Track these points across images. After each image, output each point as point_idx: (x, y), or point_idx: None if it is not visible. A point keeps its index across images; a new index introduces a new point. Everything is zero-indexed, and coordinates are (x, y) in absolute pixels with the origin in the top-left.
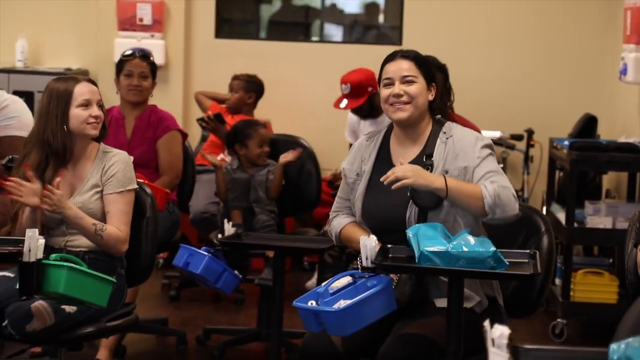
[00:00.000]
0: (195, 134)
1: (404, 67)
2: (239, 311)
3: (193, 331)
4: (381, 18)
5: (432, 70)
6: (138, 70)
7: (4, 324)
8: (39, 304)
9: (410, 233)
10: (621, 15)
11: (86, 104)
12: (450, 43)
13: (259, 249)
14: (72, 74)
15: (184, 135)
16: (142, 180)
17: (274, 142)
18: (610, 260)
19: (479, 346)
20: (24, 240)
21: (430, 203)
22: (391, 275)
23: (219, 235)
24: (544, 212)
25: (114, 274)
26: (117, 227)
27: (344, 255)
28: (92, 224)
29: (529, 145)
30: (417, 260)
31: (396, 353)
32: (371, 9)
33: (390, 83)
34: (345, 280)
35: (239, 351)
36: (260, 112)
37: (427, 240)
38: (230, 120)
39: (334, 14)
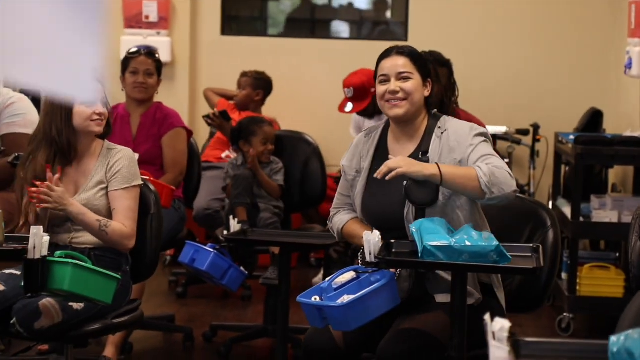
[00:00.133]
0: (202, 131)
1: (399, 63)
2: (246, 307)
3: (200, 328)
4: (389, 14)
5: (428, 66)
6: (143, 67)
7: (12, 321)
8: (46, 301)
9: (413, 228)
10: (626, 9)
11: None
12: (455, 38)
13: (264, 245)
14: None
15: (189, 133)
16: (147, 177)
17: (279, 139)
18: (617, 255)
19: (477, 340)
20: (28, 237)
21: (425, 199)
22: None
23: (225, 232)
24: (550, 206)
25: (119, 271)
26: (122, 222)
27: (349, 250)
28: (96, 220)
29: (535, 140)
30: (420, 255)
31: (396, 348)
32: (379, 5)
33: (385, 80)
34: (349, 275)
35: (246, 347)
36: (267, 109)
37: (430, 234)
38: (237, 117)
39: (342, 11)
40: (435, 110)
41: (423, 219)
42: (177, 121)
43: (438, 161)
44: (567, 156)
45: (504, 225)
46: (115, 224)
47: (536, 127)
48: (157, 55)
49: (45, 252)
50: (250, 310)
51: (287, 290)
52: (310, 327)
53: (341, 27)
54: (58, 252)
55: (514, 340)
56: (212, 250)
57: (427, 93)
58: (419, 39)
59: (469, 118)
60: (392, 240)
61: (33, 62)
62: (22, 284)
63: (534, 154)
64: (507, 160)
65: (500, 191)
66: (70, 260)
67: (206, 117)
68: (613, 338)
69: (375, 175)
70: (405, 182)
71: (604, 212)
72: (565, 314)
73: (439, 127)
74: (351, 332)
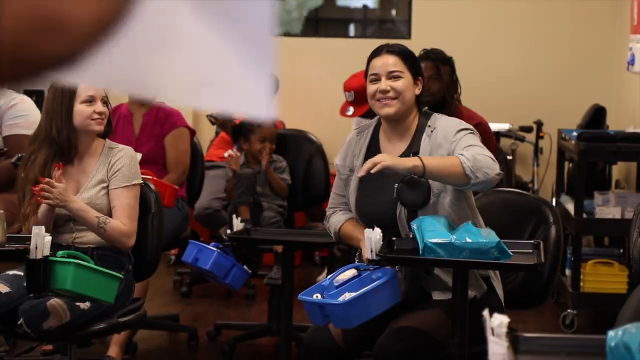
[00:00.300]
0: (206, 130)
1: (390, 62)
2: (250, 306)
3: (204, 327)
4: (394, 12)
5: (419, 64)
6: None
7: (18, 322)
8: (54, 301)
9: (414, 225)
10: (628, 5)
11: (90, 100)
12: (458, 36)
13: (267, 244)
14: None
15: (192, 132)
16: (150, 177)
17: (282, 137)
18: (620, 251)
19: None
20: (30, 237)
21: (416, 201)
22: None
23: (228, 231)
24: (554, 203)
25: (122, 270)
26: (121, 221)
27: (353, 249)
28: (96, 217)
29: (539, 137)
30: (420, 252)
31: (393, 346)
32: (385, 3)
33: (376, 79)
34: (350, 273)
35: (250, 346)
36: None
37: (431, 232)
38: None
39: (347, 10)
40: (426, 107)
41: (424, 216)
42: (180, 120)
43: None
44: (570, 153)
45: (506, 222)
46: (114, 222)
47: (539, 124)
48: None
49: (47, 252)
50: (254, 309)
51: (290, 288)
52: (311, 326)
53: (345, 26)
54: (60, 252)
55: (512, 335)
56: (215, 249)
57: (417, 91)
58: (422, 36)
59: (471, 115)
60: (394, 238)
61: (213, 87)
62: (24, 283)
63: (537, 150)
64: (510, 158)
65: (484, 175)
66: (72, 260)
67: (209, 116)
68: (611, 333)
69: (359, 175)
70: (396, 185)
71: (607, 208)
72: (569, 310)
73: (429, 126)
74: (351, 330)
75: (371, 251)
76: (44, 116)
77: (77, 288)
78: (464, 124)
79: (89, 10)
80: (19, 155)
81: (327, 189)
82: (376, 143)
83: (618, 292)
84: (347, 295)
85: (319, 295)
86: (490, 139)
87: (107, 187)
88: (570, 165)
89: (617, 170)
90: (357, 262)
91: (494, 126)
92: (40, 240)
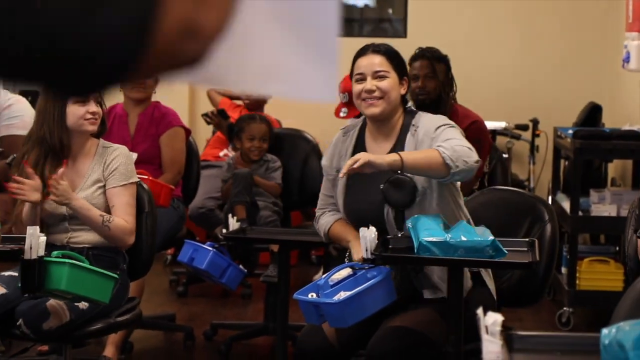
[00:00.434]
0: (202, 130)
1: (375, 62)
2: (246, 306)
3: (200, 327)
4: (390, 11)
5: (404, 64)
6: None
7: (17, 323)
8: (54, 301)
9: (409, 224)
10: (623, 3)
11: (83, 100)
12: (454, 34)
13: (263, 243)
14: None
15: (187, 132)
16: (146, 177)
17: (278, 137)
18: (616, 248)
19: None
20: (25, 238)
21: (402, 201)
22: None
23: (224, 230)
24: (550, 201)
25: (117, 270)
26: (123, 218)
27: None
28: (100, 215)
29: (535, 135)
30: (415, 251)
31: (386, 346)
32: (381, 2)
33: (362, 78)
34: (345, 272)
35: (246, 346)
36: (269, 107)
37: (426, 230)
38: (237, 115)
39: (343, 8)
40: (410, 104)
41: (419, 215)
42: (175, 120)
43: None
44: (566, 151)
45: (502, 220)
46: (118, 220)
47: (535, 122)
48: None
49: (42, 253)
50: (251, 309)
51: (286, 287)
52: (305, 326)
53: (344, 25)
54: (55, 252)
55: (506, 333)
56: (211, 248)
57: (403, 91)
58: (418, 35)
59: (467, 113)
60: (388, 236)
61: (279, 75)
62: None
63: (533, 148)
64: (506, 156)
65: (464, 164)
66: (67, 260)
67: (205, 115)
68: (604, 330)
69: (339, 176)
70: (381, 185)
71: (603, 206)
72: (565, 308)
73: (413, 125)
74: (345, 330)
75: (366, 250)
76: (36, 116)
77: (72, 288)
78: (445, 120)
79: (217, 17)
80: (14, 155)
81: None
82: (362, 143)
83: (614, 289)
84: (342, 294)
85: (314, 295)
86: (486, 137)
87: (103, 186)
88: (566, 163)
89: (613, 168)
90: (347, 262)
91: (490, 124)
92: (35, 240)
